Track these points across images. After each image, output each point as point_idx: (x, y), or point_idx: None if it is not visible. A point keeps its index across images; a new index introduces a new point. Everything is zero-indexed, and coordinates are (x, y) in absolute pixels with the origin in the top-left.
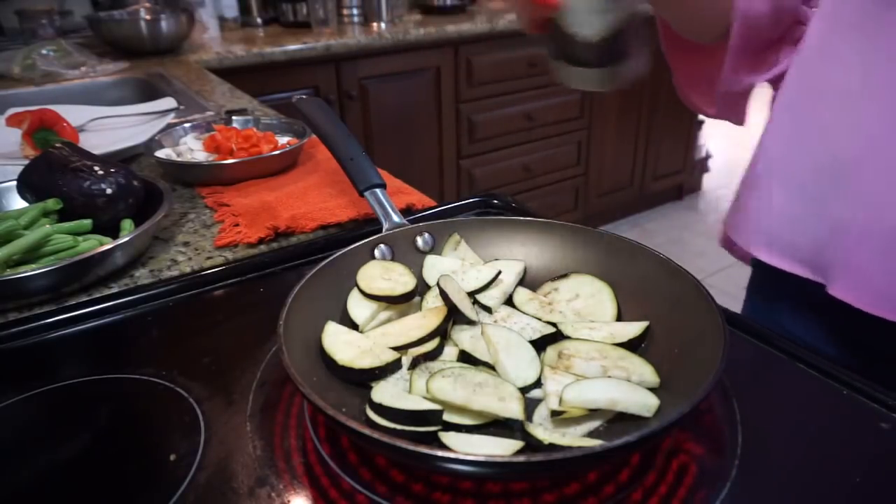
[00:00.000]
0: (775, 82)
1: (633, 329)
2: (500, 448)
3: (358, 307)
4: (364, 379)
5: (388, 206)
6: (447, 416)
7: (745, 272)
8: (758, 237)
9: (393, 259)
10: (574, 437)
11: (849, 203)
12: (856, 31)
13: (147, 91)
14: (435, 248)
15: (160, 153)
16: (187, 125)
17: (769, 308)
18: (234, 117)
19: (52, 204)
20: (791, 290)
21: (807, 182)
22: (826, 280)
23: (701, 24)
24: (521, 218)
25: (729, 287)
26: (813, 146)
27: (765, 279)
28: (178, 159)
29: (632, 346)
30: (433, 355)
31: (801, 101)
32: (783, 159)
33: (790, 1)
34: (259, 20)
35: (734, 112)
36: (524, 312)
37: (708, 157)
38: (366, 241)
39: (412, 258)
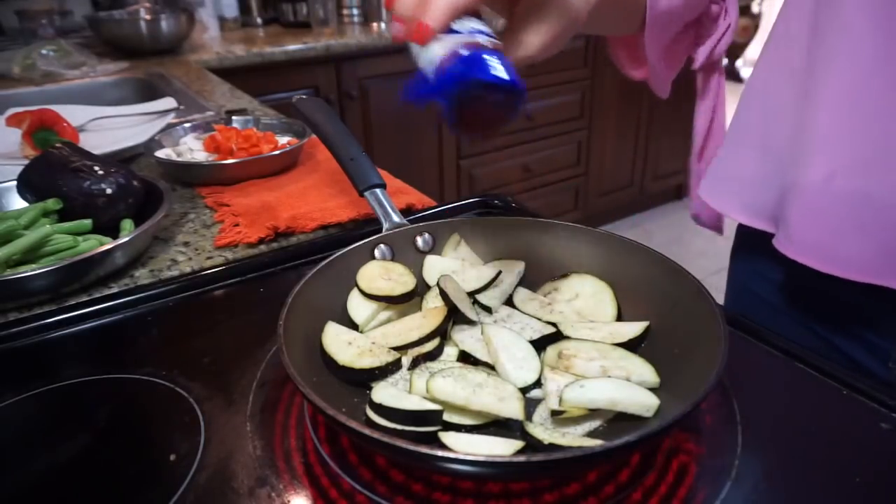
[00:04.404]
0: (703, 70)
1: (633, 329)
2: (500, 448)
3: (358, 307)
4: (364, 379)
5: (388, 206)
6: (447, 416)
7: None
8: (731, 198)
9: (393, 259)
10: (574, 437)
11: (799, 167)
12: (807, 14)
13: (147, 91)
14: (435, 248)
15: (160, 153)
16: (187, 125)
17: (748, 260)
18: (234, 117)
19: (52, 204)
20: (763, 243)
21: (773, 148)
22: (776, 233)
23: (616, 28)
24: (521, 218)
25: None
26: (778, 117)
27: (743, 238)
28: (178, 159)
29: (632, 346)
30: (433, 355)
31: (769, 77)
32: (755, 128)
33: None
34: (259, 20)
35: (659, 86)
36: (524, 312)
37: None
38: (366, 241)
39: (412, 258)
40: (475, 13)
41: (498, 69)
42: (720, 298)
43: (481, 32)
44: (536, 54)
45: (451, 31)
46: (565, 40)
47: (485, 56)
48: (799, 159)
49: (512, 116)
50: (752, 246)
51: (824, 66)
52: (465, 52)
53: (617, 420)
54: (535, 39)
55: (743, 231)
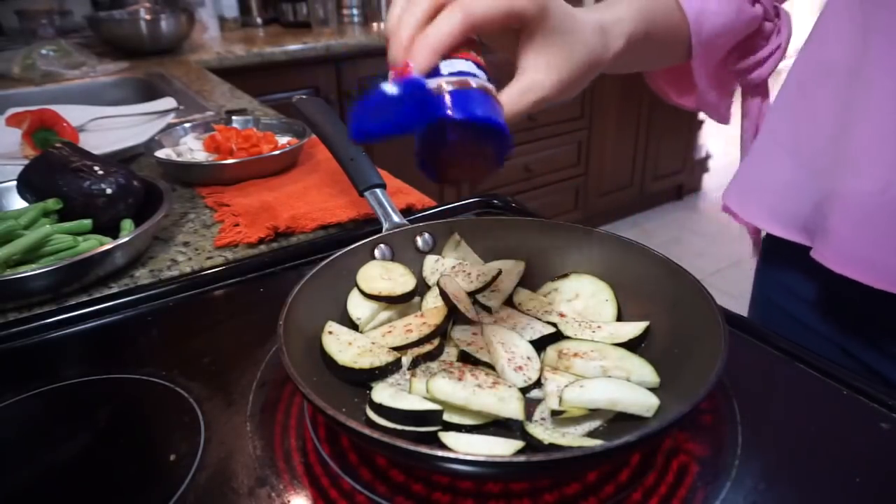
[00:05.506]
0: (751, 91)
1: (633, 329)
2: (500, 448)
3: (358, 307)
4: (364, 379)
5: (388, 206)
6: (447, 416)
7: (745, 272)
8: (760, 207)
9: (393, 259)
10: (574, 437)
11: (840, 173)
12: (852, 11)
13: (147, 91)
14: (435, 248)
15: (160, 153)
16: (187, 125)
17: (776, 274)
18: (234, 117)
19: (52, 204)
20: (795, 256)
21: (809, 154)
22: (812, 244)
23: (654, 63)
24: (521, 218)
25: (729, 287)
26: (817, 121)
27: (773, 247)
28: (178, 159)
29: (632, 346)
30: (433, 355)
31: (807, 79)
32: (789, 134)
33: (746, 14)
34: (259, 20)
35: (715, 113)
36: (524, 312)
37: (708, 157)
38: (366, 241)
39: (412, 258)
40: (474, 58)
41: (482, 109)
42: (720, 298)
43: (473, 75)
44: (551, 95)
45: (438, 74)
46: (584, 83)
47: (471, 95)
48: (842, 166)
49: (494, 165)
50: (781, 258)
51: (873, 69)
52: (449, 89)
53: (617, 420)
54: (547, 78)
55: (771, 243)
